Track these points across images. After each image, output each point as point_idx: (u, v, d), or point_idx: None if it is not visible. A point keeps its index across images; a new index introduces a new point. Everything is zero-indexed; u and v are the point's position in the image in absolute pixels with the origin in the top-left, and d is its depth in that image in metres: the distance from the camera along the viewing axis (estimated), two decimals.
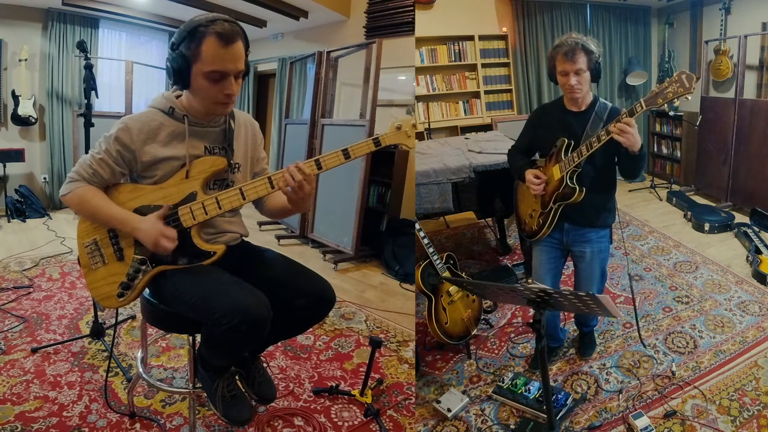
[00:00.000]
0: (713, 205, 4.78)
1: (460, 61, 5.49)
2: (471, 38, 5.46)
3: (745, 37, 4.62)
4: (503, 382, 2.33)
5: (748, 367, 2.37)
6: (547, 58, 2.17)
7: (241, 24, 1.57)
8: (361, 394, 2.32)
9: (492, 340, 2.79)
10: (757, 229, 3.90)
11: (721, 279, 3.29)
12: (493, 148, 3.47)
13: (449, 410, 2.22)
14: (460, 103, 5.61)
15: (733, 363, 2.41)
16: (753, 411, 2.09)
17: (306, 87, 5.97)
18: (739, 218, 4.30)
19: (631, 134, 1.89)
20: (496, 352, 2.69)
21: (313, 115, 5.01)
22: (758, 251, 3.49)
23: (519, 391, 2.25)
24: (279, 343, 2.61)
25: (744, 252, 3.67)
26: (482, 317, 2.77)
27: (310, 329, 2.57)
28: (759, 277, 3.20)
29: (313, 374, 2.54)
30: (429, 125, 5.28)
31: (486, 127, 5.31)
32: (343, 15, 5.83)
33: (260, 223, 5.53)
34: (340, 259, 4.42)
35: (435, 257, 2.49)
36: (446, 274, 2.51)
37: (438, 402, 2.28)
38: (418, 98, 5.40)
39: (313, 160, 1.62)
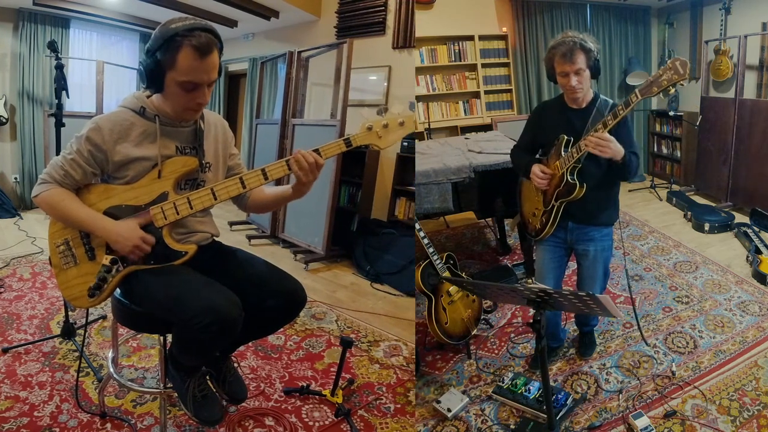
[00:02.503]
0: (713, 205, 4.78)
1: (460, 61, 5.49)
2: (471, 38, 5.46)
3: (745, 37, 4.62)
4: (503, 382, 2.33)
5: (748, 367, 2.37)
6: (545, 60, 2.14)
7: (213, 24, 1.56)
8: (332, 394, 2.32)
9: (492, 340, 2.79)
10: (757, 229, 3.90)
11: (721, 279, 3.29)
12: (493, 148, 3.47)
13: (449, 410, 2.22)
14: (460, 103, 5.61)
15: (733, 363, 2.41)
16: (753, 411, 2.09)
17: (277, 87, 5.95)
18: (739, 218, 4.30)
19: (609, 147, 1.87)
20: (496, 352, 2.69)
21: (284, 115, 5.01)
22: (758, 251, 3.49)
23: (519, 391, 2.25)
24: (250, 343, 2.61)
25: (744, 252, 3.67)
26: (482, 317, 2.77)
27: (281, 329, 2.57)
28: (759, 277, 3.20)
29: (284, 374, 2.53)
30: (429, 125, 5.27)
31: (486, 127, 5.30)
32: (314, 15, 5.83)
33: (231, 223, 5.54)
34: (311, 259, 4.41)
35: (435, 257, 2.49)
36: (446, 274, 2.51)
37: (438, 402, 2.28)
38: (418, 98, 5.40)
39: (284, 160, 1.63)
